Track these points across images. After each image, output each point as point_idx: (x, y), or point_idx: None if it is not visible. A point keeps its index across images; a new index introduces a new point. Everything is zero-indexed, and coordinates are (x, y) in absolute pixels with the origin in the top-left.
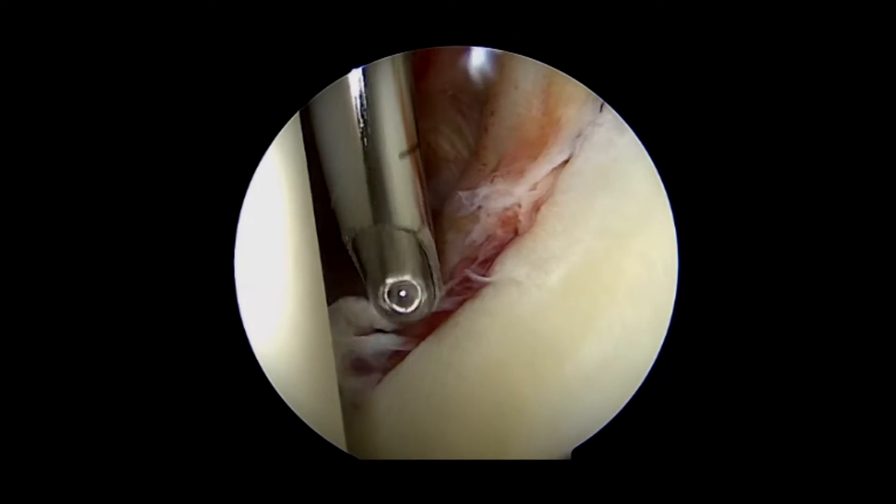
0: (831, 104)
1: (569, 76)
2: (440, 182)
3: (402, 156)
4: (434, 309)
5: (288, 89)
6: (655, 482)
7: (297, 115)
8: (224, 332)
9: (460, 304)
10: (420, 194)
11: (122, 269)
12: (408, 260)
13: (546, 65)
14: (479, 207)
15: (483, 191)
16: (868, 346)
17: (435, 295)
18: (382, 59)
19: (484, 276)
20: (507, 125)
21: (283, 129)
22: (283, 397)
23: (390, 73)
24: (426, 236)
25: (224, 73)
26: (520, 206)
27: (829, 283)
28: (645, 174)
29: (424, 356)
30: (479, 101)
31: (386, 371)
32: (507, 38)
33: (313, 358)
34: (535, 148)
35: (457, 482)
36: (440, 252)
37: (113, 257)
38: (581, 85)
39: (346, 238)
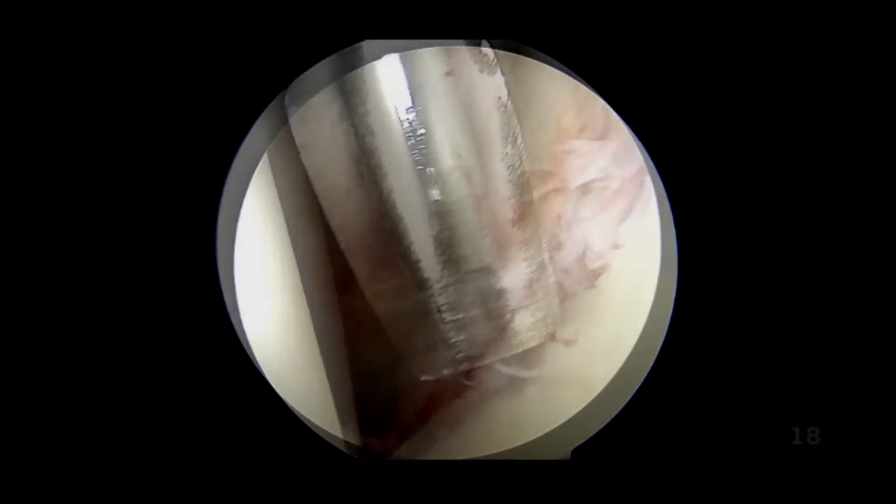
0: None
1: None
2: None
3: None
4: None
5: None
6: (655, 482)
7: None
8: (218, 328)
9: None
10: None
11: (111, 269)
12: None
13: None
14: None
15: None
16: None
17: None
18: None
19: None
20: None
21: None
22: (282, 397)
23: None
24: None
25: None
26: None
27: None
28: None
29: None
30: None
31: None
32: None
33: (307, 352)
34: None
35: (456, 482)
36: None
37: (107, 256)
38: None
39: None
